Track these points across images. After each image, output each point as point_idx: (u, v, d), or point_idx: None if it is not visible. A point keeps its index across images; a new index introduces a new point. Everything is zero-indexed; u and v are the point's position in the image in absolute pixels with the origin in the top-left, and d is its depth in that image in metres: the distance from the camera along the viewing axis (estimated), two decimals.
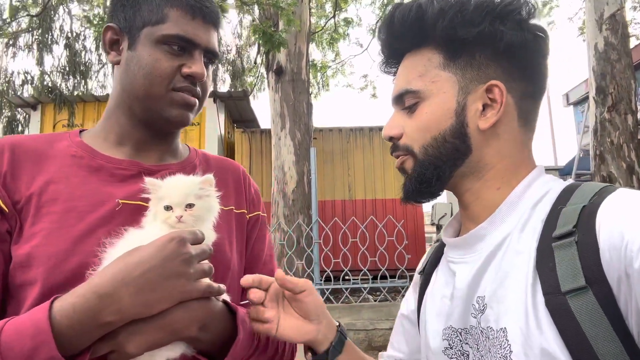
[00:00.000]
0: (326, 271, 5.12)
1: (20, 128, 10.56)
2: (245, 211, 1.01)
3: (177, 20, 0.86)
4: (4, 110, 10.39)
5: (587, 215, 0.63)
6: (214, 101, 8.51)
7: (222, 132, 8.82)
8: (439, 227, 8.25)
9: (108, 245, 0.75)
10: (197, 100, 0.91)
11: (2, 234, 0.78)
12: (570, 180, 0.75)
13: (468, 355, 0.73)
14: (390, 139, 0.81)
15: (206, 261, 0.72)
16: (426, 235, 9.28)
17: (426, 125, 0.76)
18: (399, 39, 0.80)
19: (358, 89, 14.40)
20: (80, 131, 0.95)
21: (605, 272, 0.58)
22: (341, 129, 9.19)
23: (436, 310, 0.80)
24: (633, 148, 5.11)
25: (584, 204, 0.65)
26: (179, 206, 0.77)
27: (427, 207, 9.83)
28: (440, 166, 0.76)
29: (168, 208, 0.77)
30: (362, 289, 5.24)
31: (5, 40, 9.28)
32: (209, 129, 8.43)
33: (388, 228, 5.46)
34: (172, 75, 0.87)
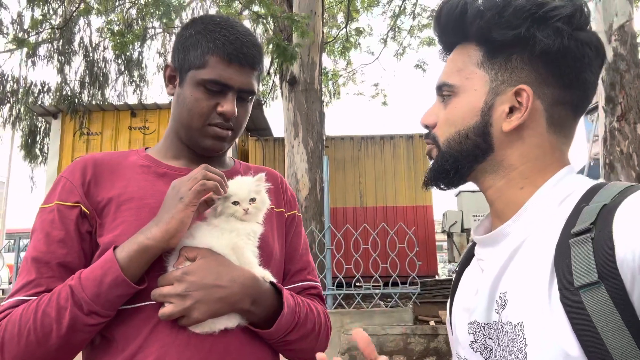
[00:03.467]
0: (338, 277, 5.22)
1: (40, 136, 10.85)
2: (284, 210, 1.18)
3: (215, 66, 1.00)
4: (26, 118, 10.67)
5: (607, 212, 0.63)
6: None
7: (237, 140, 8.98)
8: (449, 235, 8.29)
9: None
10: (229, 133, 1.06)
11: (83, 234, 0.96)
12: (601, 180, 0.77)
13: (491, 350, 0.75)
14: (426, 126, 0.85)
15: (196, 186, 0.89)
16: (437, 243, 9.32)
17: (453, 120, 0.79)
18: (445, 33, 0.84)
19: (369, 97, 14.52)
20: (146, 149, 1.14)
21: (619, 269, 0.59)
22: (353, 137, 9.32)
23: (463, 305, 0.83)
24: None
25: (605, 202, 0.64)
26: (245, 201, 0.95)
27: (438, 214, 9.87)
28: (460, 160, 0.79)
29: (236, 203, 0.94)
30: (374, 295, 5.32)
31: (26, 50, 9.55)
32: None
33: (399, 235, 5.54)
34: (208, 113, 1.02)
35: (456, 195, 8.71)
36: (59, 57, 9.72)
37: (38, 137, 10.89)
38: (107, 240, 0.93)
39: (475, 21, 0.77)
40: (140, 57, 10.89)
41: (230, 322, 0.92)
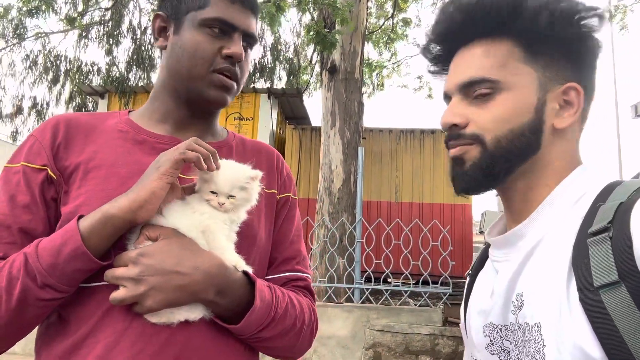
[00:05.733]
0: (367, 271, 5.11)
1: None
2: (276, 191, 1.07)
3: (218, 4, 0.94)
4: (76, 97, 11.12)
5: (623, 211, 0.63)
6: (268, 97, 8.71)
7: (274, 127, 9.00)
8: None
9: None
10: (234, 83, 0.98)
11: (49, 201, 0.89)
12: (618, 178, 0.75)
13: (509, 351, 0.74)
14: (451, 127, 0.79)
15: (175, 155, 0.80)
16: (474, 245, 8.98)
17: (506, 117, 0.75)
18: (479, 21, 0.77)
19: (413, 90, 14.13)
20: (129, 111, 1.05)
21: (639, 267, 0.58)
22: (391, 130, 9.12)
23: (478, 308, 0.82)
24: None
25: (621, 201, 0.64)
26: (223, 195, 0.85)
27: (476, 215, 9.53)
28: (512, 160, 0.76)
29: (213, 192, 0.85)
30: (403, 292, 5.19)
31: (78, 32, 9.90)
32: (262, 123, 8.66)
33: (433, 233, 5.36)
34: (212, 57, 0.94)
35: (497, 195, 8.36)
36: (108, 39, 10.02)
37: None
38: (68, 210, 0.86)
39: (539, 14, 0.74)
40: None
41: (193, 313, 0.82)
